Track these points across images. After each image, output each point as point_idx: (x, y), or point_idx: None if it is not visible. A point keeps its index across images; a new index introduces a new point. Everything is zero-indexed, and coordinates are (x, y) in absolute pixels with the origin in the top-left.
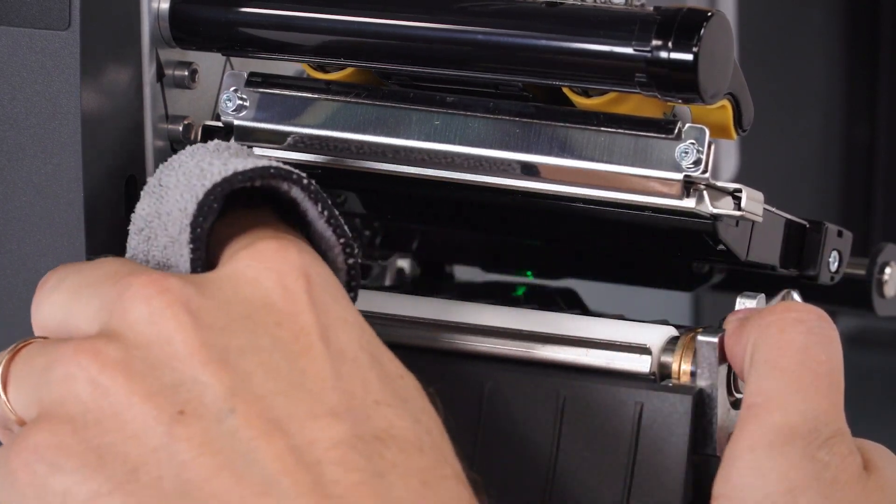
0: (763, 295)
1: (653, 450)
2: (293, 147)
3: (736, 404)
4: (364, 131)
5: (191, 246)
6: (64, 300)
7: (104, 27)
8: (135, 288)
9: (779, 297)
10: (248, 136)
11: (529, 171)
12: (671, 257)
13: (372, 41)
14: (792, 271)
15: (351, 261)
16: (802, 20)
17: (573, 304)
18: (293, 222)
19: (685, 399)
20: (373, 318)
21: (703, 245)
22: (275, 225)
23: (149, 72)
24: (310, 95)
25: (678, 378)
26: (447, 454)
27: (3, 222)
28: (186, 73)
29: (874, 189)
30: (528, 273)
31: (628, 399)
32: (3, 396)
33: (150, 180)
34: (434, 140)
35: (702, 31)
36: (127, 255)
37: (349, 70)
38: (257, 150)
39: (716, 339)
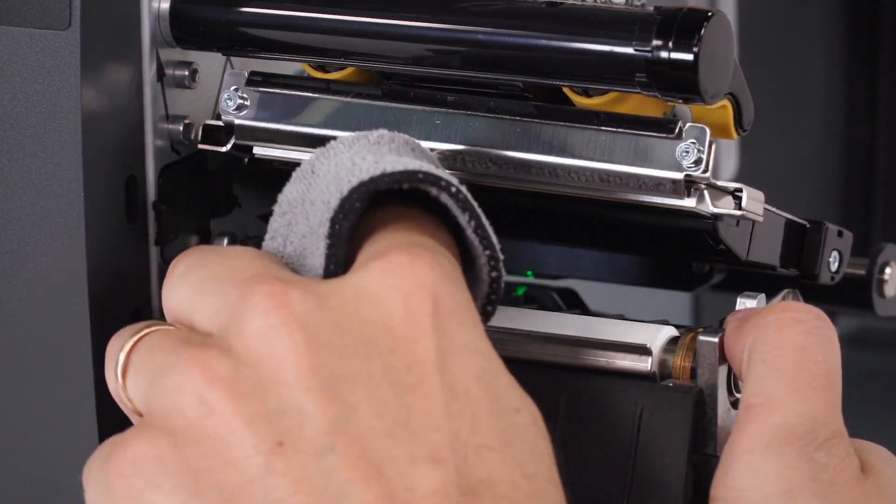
0: (763, 295)
1: (653, 450)
2: (294, 146)
3: (736, 404)
4: (364, 130)
5: (327, 241)
6: (188, 294)
7: (104, 27)
8: (256, 298)
9: (779, 297)
10: (248, 136)
11: (530, 170)
12: (671, 257)
13: (372, 41)
14: (792, 271)
15: (494, 274)
16: (802, 20)
17: (573, 304)
18: (447, 228)
19: (685, 399)
20: None
21: (704, 245)
22: (421, 230)
23: (149, 71)
24: (310, 95)
25: (678, 378)
26: (545, 500)
27: (3, 222)
28: (187, 73)
29: (874, 189)
30: (529, 273)
31: (628, 399)
32: (121, 383)
33: (304, 163)
34: (434, 139)
35: (702, 31)
36: (266, 235)
37: (349, 69)
38: (257, 150)
39: (716, 339)
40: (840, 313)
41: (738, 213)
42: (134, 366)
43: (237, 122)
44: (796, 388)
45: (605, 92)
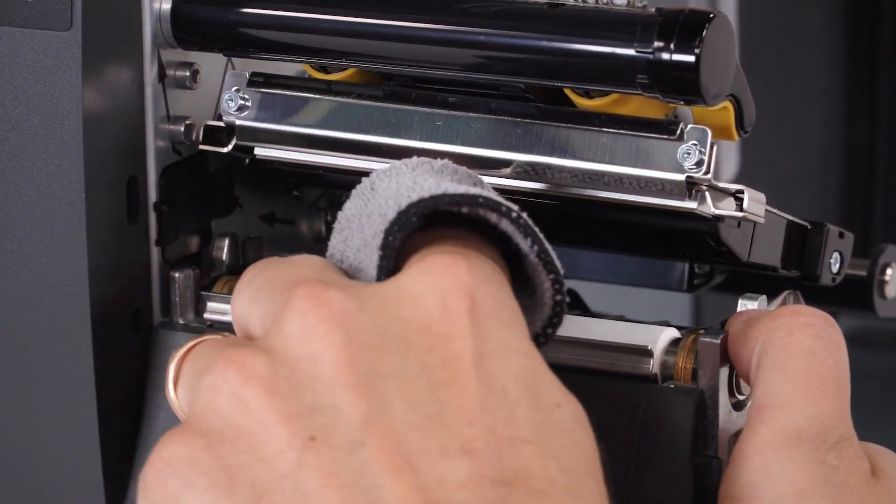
0: (765, 296)
1: (654, 451)
2: (295, 147)
3: (738, 406)
4: (366, 131)
5: (380, 252)
6: (246, 300)
7: (106, 28)
8: (296, 299)
9: (780, 298)
10: (249, 136)
11: (531, 171)
12: (673, 258)
13: (373, 42)
14: (793, 272)
15: (558, 297)
16: (803, 21)
17: (574, 305)
18: (506, 255)
19: (687, 400)
20: None
21: (705, 246)
22: (470, 249)
23: (150, 72)
24: (311, 96)
25: (680, 380)
26: (584, 494)
27: (3, 222)
28: (188, 74)
29: (875, 190)
30: None
31: (630, 400)
32: (173, 393)
33: (365, 181)
34: (436, 140)
35: (703, 32)
36: (327, 253)
37: (351, 70)
38: (258, 151)
39: (718, 341)
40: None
41: (740, 214)
42: (183, 374)
43: (238, 122)
44: (807, 391)
45: (606, 93)
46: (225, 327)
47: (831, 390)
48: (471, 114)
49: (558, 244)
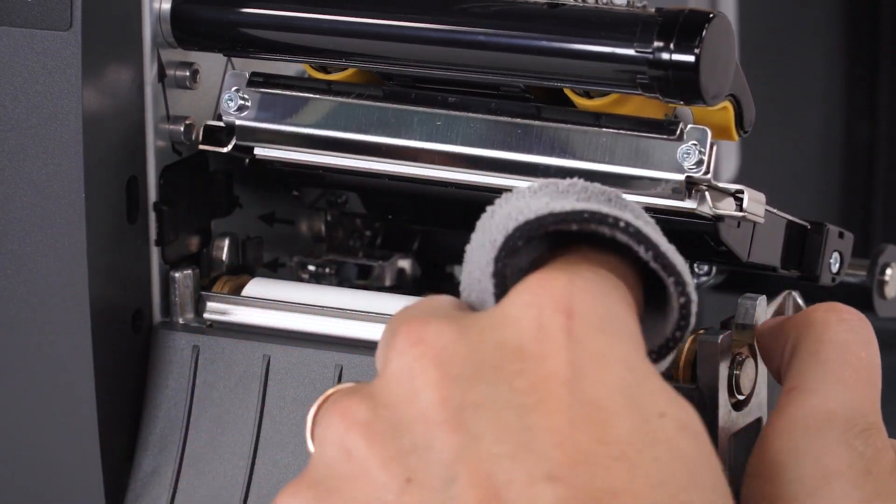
0: (764, 297)
1: None
2: (294, 147)
3: (737, 406)
4: (365, 131)
5: (493, 280)
6: (378, 346)
7: (105, 27)
8: (397, 338)
9: (779, 298)
10: (249, 136)
11: (531, 171)
12: None
13: (373, 42)
14: (793, 272)
15: (682, 299)
16: (803, 21)
17: None
18: (633, 266)
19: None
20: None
21: (705, 246)
22: (588, 265)
23: (150, 72)
24: (311, 95)
25: (679, 379)
26: None
27: (3, 222)
28: (188, 74)
29: (875, 190)
30: None
31: None
32: (310, 443)
33: (487, 209)
34: (435, 140)
35: (703, 32)
36: (460, 288)
37: (350, 70)
38: (258, 151)
39: (718, 341)
40: None
41: (740, 214)
42: (315, 422)
43: (238, 122)
44: (839, 378)
45: (606, 93)
46: (224, 327)
47: (862, 380)
48: (470, 114)
49: None
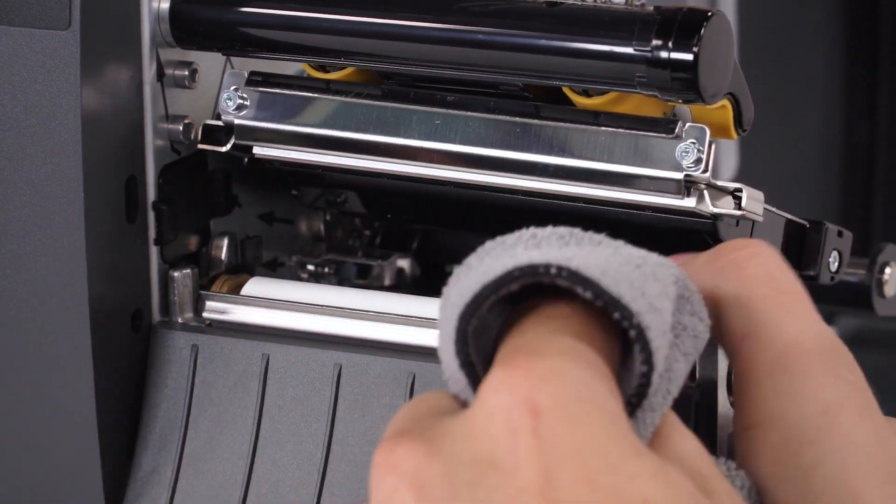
0: None
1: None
2: (293, 146)
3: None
4: (364, 130)
5: (463, 372)
6: None
7: (104, 27)
8: (374, 466)
9: None
10: (248, 135)
11: (530, 170)
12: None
13: (372, 41)
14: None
15: (643, 368)
16: (802, 20)
17: None
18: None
19: (685, 399)
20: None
21: (704, 245)
22: (556, 324)
23: (149, 71)
24: (310, 95)
25: None
26: None
27: (3, 222)
28: (187, 73)
29: (874, 189)
30: None
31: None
32: None
33: (468, 259)
34: (434, 139)
35: (702, 31)
36: (444, 377)
37: (349, 69)
38: (257, 150)
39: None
40: (840, 313)
41: (738, 213)
42: None
43: (237, 121)
44: (787, 308)
45: (604, 92)
46: (223, 326)
47: (805, 307)
48: (469, 113)
49: None
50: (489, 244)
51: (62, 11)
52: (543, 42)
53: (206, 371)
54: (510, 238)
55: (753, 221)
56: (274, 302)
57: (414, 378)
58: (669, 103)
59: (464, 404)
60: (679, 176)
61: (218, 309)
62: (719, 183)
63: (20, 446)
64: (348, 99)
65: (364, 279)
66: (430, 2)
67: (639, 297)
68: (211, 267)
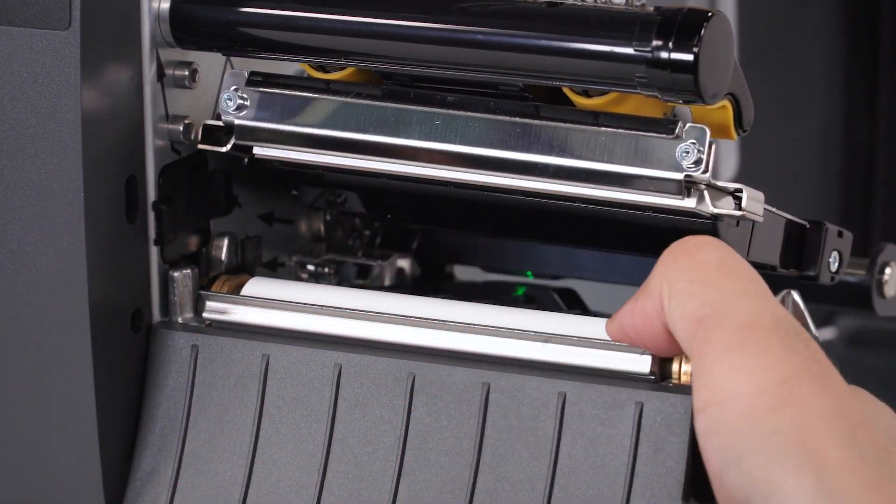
0: None
1: (653, 450)
2: (293, 146)
3: None
4: (364, 130)
5: None
6: None
7: (104, 27)
8: None
9: (778, 297)
10: (248, 136)
11: (530, 170)
12: None
13: (372, 41)
14: (792, 271)
15: None
16: (802, 20)
17: (573, 304)
18: None
19: (685, 399)
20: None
21: None
22: None
23: (149, 71)
24: (310, 95)
25: (678, 378)
26: None
27: (3, 222)
28: (187, 73)
29: (874, 189)
30: (528, 273)
31: (628, 399)
32: None
33: None
34: (434, 139)
35: (702, 31)
36: None
37: (349, 70)
38: (257, 150)
39: None
40: (840, 313)
41: (738, 213)
42: None
43: (237, 122)
44: (741, 291)
45: (605, 92)
46: (223, 326)
47: (758, 289)
48: (469, 113)
49: (557, 244)
50: None
51: (62, 11)
52: (543, 42)
53: (206, 371)
54: None
55: (753, 222)
56: (274, 302)
57: (414, 378)
58: (669, 104)
59: None
60: (679, 176)
61: (218, 309)
62: (719, 183)
63: (20, 446)
64: (348, 99)
65: (364, 279)
66: (430, 2)
67: None
68: (211, 267)
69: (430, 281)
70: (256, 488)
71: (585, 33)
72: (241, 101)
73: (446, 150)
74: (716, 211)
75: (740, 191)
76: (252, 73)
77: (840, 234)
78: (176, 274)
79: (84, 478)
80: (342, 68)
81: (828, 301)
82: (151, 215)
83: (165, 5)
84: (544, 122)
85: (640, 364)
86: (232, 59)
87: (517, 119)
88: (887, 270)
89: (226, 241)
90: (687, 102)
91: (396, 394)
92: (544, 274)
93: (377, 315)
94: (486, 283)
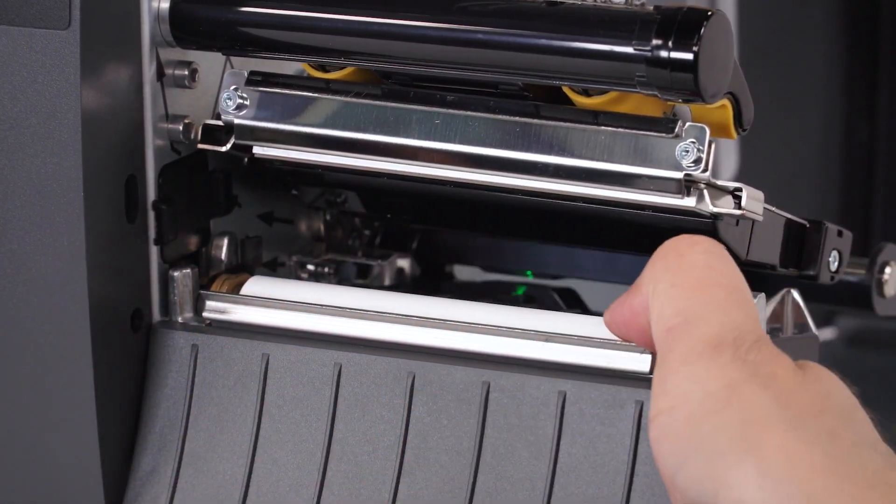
0: (763, 294)
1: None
2: (293, 145)
3: None
4: (364, 130)
5: None
6: None
7: (104, 26)
8: None
9: (778, 296)
10: (248, 135)
11: (530, 169)
12: None
13: (372, 40)
14: (792, 271)
15: None
16: (802, 20)
17: (573, 304)
18: None
19: None
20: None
21: None
22: None
23: (149, 71)
24: (310, 94)
25: None
26: None
27: (3, 222)
28: (186, 73)
29: (874, 189)
30: (528, 273)
31: (628, 398)
32: None
33: None
34: (434, 139)
35: (702, 30)
36: None
37: (349, 69)
38: (257, 150)
39: None
40: (840, 313)
41: (738, 212)
42: None
43: (237, 121)
44: (715, 302)
45: (604, 91)
46: (223, 326)
47: (736, 299)
48: (469, 112)
49: (557, 243)
50: None
51: (62, 11)
52: (543, 41)
53: (206, 371)
54: None
55: (753, 221)
56: (274, 302)
57: (414, 378)
58: (669, 103)
59: None
60: (679, 175)
61: (218, 308)
62: (719, 182)
63: (20, 446)
64: (348, 98)
65: (364, 279)
66: (430, 2)
67: None
68: (211, 267)
69: (430, 281)
70: (256, 488)
71: (585, 32)
72: (241, 101)
73: (446, 150)
74: (715, 210)
75: (740, 190)
76: (252, 73)
77: (840, 234)
78: (176, 274)
79: (84, 478)
80: (342, 68)
81: (828, 301)
82: (151, 215)
83: (165, 5)
84: (544, 122)
85: (640, 363)
86: (232, 58)
87: (517, 118)
88: (887, 270)
89: (226, 241)
90: (687, 101)
91: (396, 393)
92: (544, 274)
93: (377, 314)
94: (486, 283)
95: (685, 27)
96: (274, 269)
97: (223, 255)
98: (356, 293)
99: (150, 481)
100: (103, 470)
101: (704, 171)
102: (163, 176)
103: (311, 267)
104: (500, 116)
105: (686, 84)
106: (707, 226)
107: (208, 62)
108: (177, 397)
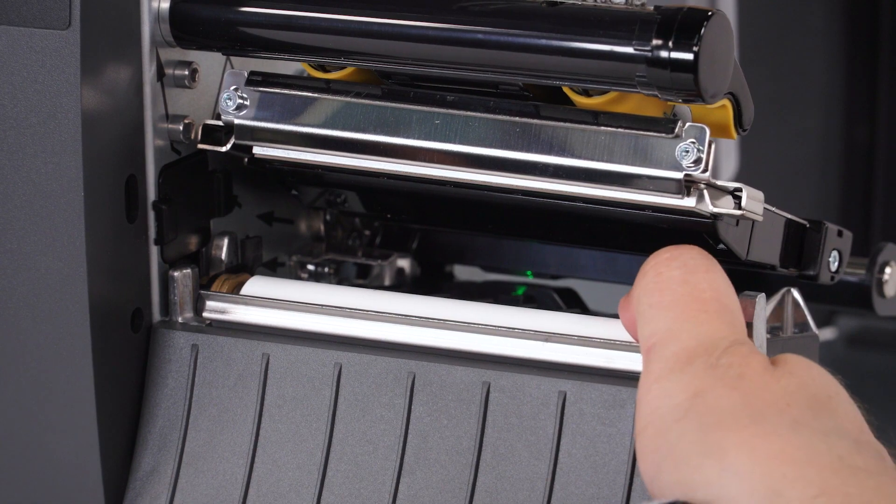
0: (763, 294)
1: None
2: (293, 146)
3: None
4: (364, 130)
5: None
6: None
7: (104, 26)
8: None
9: (778, 296)
10: (248, 135)
11: (530, 169)
12: None
13: (372, 40)
14: (792, 271)
15: None
16: (802, 20)
17: (573, 304)
18: None
19: None
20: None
21: (704, 244)
22: None
23: (149, 71)
24: (310, 94)
25: None
26: None
27: (3, 222)
28: (187, 73)
29: (874, 189)
30: (528, 273)
31: (628, 398)
32: None
33: None
34: (434, 139)
35: (702, 30)
36: None
37: (349, 69)
38: (257, 150)
39: None
40: (840, 313)
41: (738, 212)
42: None
43: (237, 121)
44: (687, 317)
45: (604, 91)
46: (223, 326)
47: (713, 310)
48: (469, 112)
49: (557, 243)
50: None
51: (62, 11)
52: (543, 42)
53: (206, 371)
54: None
55: (753, 221)
56: (274, 301)
57: (414, 378)
58: (669, 103)
59: None
60: (679, 175)
61: (218, 308)
62: (719, 182)
63: (20, 446)
64: (348, 99)
65: (364, 279)
66: (430, 2)
67: None
68: (211, 267)
69: (431, 281)
70: (256, 488)
71: (585, 32)
72: (241, 101)
73: (446, 150)
74: (715, 210)
75: (740, 190)
76: (252, 73)
77: (840, 234)
78: (176, 274)
79: (84, 478)
80: (342, 68)
81: (828, 301)
82: (151, 215)
83: (165, 5)
84: (544, 122)
85: (640, 363)
86: (232, 58)
87: (517, 118)
88: (887, 270)
89: (226, 241)
90: (687, 101)
91: (396, 393)
92: (544, 274)
93: (377, 314)
94: (486, 283)
95: (685, 27)
96: (274, 269)
97: (223, 255)
98: (356, 293)
99: (150, 481)
100: (103, 470)
101: (704, 171)
102: (163, 176)
103: (311, 267)
104: (500, 116)
105: (686, 84)
106: (707, 226)
107: (208, 62)
108: (177, 397)
